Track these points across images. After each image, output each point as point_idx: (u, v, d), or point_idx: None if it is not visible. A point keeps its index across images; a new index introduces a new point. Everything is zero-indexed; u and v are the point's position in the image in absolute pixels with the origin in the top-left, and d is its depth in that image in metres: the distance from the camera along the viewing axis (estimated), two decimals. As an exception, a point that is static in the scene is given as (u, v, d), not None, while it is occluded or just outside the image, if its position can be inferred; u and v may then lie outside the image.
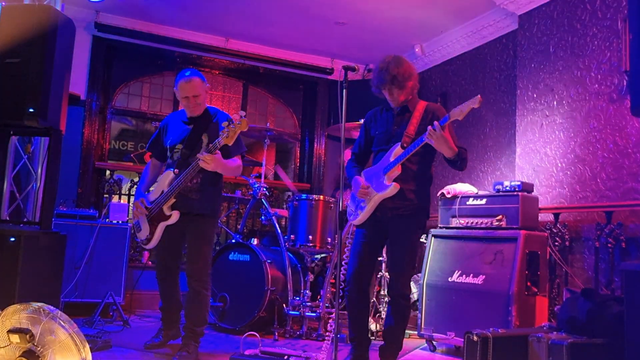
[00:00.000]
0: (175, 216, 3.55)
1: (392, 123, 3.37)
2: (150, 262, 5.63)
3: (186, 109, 3.69)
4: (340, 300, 3.34)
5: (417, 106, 3.33)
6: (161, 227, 3.59)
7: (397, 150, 3.26)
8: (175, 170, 3.57)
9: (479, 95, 2.96)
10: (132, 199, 5.94)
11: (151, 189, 3.77)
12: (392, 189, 3.21)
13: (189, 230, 3.63)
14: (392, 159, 3.26)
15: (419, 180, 3.32)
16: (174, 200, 3.54)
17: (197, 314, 3.58)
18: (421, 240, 4.88)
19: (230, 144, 3.35)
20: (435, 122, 3.04)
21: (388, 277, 4.38)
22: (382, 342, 3.32)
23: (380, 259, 4.63)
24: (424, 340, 4.28)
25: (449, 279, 4.08)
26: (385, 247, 4.18)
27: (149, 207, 3.64)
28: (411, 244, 3.30)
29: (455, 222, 4.24)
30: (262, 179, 4.98)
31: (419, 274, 4.38)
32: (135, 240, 3.95)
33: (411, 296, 4.68)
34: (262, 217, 4.92)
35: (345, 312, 3.53)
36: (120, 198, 6.12)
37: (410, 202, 3.27)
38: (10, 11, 3.34)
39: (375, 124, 3.46)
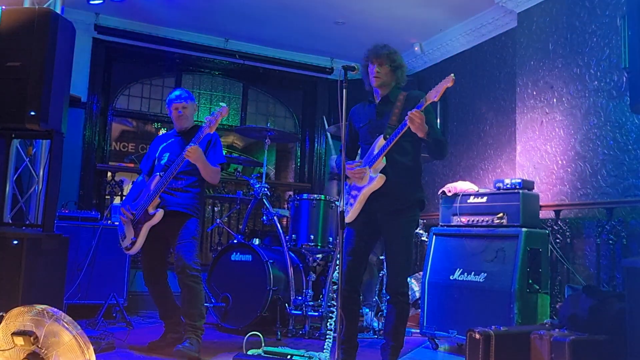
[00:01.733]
0: (158, 215, 3.63)
1: (375, 115, 3.33)
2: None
3: (176, 122, 3.91)
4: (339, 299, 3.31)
5: (399, 96, 3.29)
6: (146, 227, 3.67)
7: (380, 142, 3.20)
8: (161, 173, 3.72)
9: (451, 74, 2.95)
10: (122, 201, 5.96)
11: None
12: (379, 180, 3.15)
13: (173, 230, 3.69)
14: (376, 152, 3.21)
15: (408, 172, 3.26)
16: (159, 200, 3.66)
17: (192, 309, 3.61)
18: (422, 237, 4.90)
19: (211, 132, 3.56)
20: (412, 111, 3.02)
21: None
22: (383, 341, 3.32)
23: (381, 257, 4.64)
24: (426, 338, 4.29)
25: (451, 277, 4.10)
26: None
27: (134, 212, 3.74)
28: (406, 241, 3.24)
29: (456, 220, 4.25)
30: (263, 179, 4.99)
31: (421, 272, 4.39)
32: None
33: (414, 294, 4.72)
34: (264, 217, 4.93)
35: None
36: (121, 199, 6.12)
37: (401, 196, 3.21)
38: (10, 14, 3.34)
39: (359, 117, 3.42)
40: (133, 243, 3.70)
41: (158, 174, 3.73)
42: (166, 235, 3.73)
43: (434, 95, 3.00)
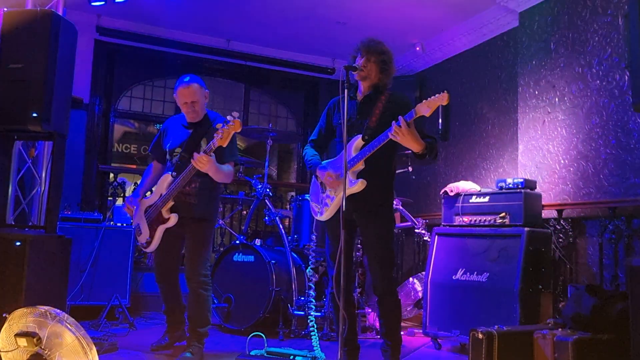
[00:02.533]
0: (173, 219, 3.59)
1: (355, 113, 3.25)
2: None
3: (186, 115, 3.76)
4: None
5: (381, 96, 3.22)
6: (160, 230, 3.63)
7: (358, 142, 3.12)
8: (174, 173, 3.62)
9: (445, 92, 2.84)
10: (133, 191, 5.96)
11: (149, 193, 3.83)
12: (360, 185, 3.07)
13: (187, 234, 3.68)
14: (354, 153, 3.13)
15: (384, 175, 3.22)
16: (172, 203, 3.59)
17: (198, 315, 3.61)
18: (425, 237, 4.89)
19: (224, 145, 3.36)
20: (400, 118, 2.91)
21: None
22: (382, 342, 3.29)
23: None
24: (429, 339, 4.29)
25: (453, 277, 4.09)
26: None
27: (146, 209, 3.70)
28: (386, 240, 3.19)
29: (458, 220, 4.25)
30: (265, 180, 4.99)
31: (423, 272, 4.39)
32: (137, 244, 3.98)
33: (417, 294, 4.72)
34: (266, 218, 4.93)
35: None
36: (124, 200, 6.12)
37: (377, 198, 3.17)
38: (12, 16, 3.35)
39: (338, 113, 3.28)
40: (149, 243, 3.69)
41: (170, 174, 3.62)
42: (180, 235, 3.71)
43: (425, 110, 2.89)
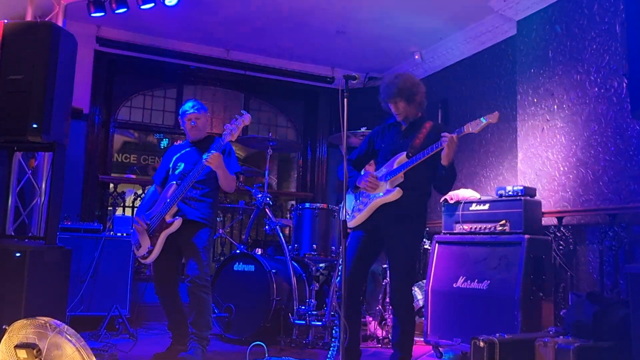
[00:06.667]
0: (177, 223, 3.65)
1: (400, 136, 3.44)
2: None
3: (189, 133, 3.94)
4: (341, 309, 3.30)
5: (425, 124, 3.41)
6: (163, 236, 3.67)
7: (402, 158, 3.30)
8: (178, 181, 3.73)
9: (496, 112, 3.18)
10: (135, 211, 5.96)
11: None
12: (396, 193, 3.24)
13: (186, 238, 3.70)
14: (395, 166, 3.30)
15: (420, 192, 3.36)
16: (176, 208, 3.67)
17: (200, 319, 3.62)
18: (425, 245, 4.89)
19: (233, 140, 3.58)
20: (447, 134, 3.14)
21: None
22: (392, 352, 3.31)
23: (385, 265, 4.63)
24: (430, 347, 4.27)
25: (454, 285, 4.08)
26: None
27: (149, 223, 3.74)
28: (410, 253, 3.29)
29: (459, 227, 4.24)
30: (266, 189, 4.99)
31: (424, 281, 4.38)
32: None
33: (417, 302, 4.71)
34: (266, 227, 4.93)
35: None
36: (124, 211, 6.13)
37: (409, 211, 3.29)
38: (12, 27, 3.37)
39: (382, 138, 3.53)
40: (150, 252, 3.71)
41: (174, 182, 3.74)
42: (179, 244, 3.74)
43: (473, 127, 3.16)
